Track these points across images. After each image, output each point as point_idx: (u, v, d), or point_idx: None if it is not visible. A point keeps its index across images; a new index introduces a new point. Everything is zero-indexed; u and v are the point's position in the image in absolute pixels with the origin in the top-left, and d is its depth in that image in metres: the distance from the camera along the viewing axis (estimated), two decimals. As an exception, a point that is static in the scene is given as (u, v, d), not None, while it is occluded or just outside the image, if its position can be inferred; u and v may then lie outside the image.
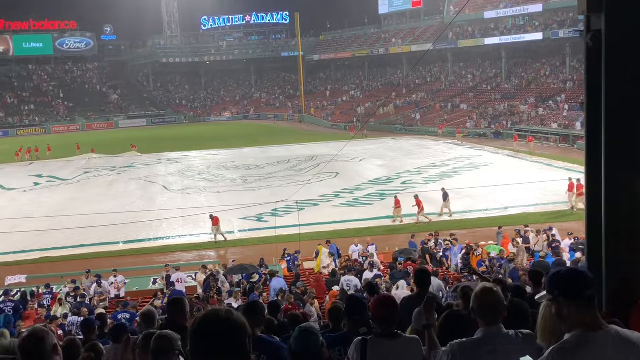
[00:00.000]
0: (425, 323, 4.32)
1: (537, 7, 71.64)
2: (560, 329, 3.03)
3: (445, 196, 28.88)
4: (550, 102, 62.63)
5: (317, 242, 23.23)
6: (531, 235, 21.92)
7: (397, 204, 28.21)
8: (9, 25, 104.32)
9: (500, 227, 23.52)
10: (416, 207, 27.86)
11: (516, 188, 32.55)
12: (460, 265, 18.75)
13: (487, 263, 19.02)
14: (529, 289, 8.48)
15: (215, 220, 26.73)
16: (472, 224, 27.45)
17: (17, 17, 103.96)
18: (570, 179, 28.54)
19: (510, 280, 13.26)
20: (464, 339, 3.79)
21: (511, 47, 74.57)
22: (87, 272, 20.62)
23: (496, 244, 21.99)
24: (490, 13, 77.73)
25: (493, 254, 19.97)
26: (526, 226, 23.00)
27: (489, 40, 75.98)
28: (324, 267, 21.22)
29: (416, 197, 28.26)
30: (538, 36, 70.09)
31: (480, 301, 3.83)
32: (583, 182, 26.90)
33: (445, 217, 28.50)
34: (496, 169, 40.75)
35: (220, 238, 26.91)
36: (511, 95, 69.46)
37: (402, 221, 28.02)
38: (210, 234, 27.12)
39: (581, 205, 27.55)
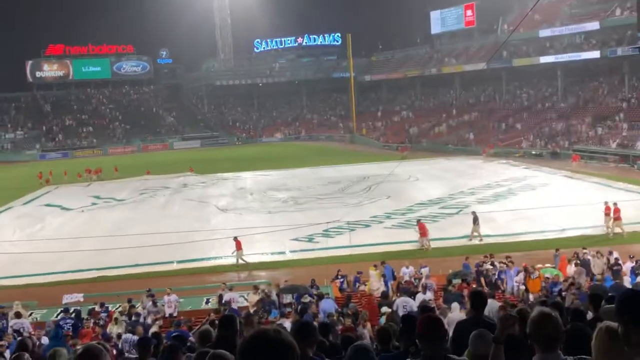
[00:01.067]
0: (496, 337, 4.18)
1: (594, 25, 70.19)
2: (622, 355, 2.86)
3: (475, 220, 28.21)
4: (609, 121, 61.13)
5: (369, 264, 23.05)
6: (590, 258, 21.27)
7: (422, 228, 27.64)
8: (68, 50, 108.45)
9: (557, 250, 22.87)
10: (418, 232, 27.40)
11: (574, 209, 31.73)
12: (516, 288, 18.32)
13: (544, 285, 18.52)
14: (589, 314, 8.16)
15: (238, 245, 26.69)
16: (528, 246, 26.81)
17: (76, 42, 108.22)
18: (606, 203, 27.68)
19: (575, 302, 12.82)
20: None
21: (567, 65, 73.16)
22: (148, 291, 20.76)
23: (554, 267, 21.43)
24: (546, 31, 76.54)
25: (548, 276, 19.45)
26: (584, 248, 22.34)
27: (545, 59, 74.69)
28: (374, 290, 21.05)
29: (418, 221, 27.88)
30: (595, 54, 68.55)
31: (537, 327, 3.69)
32: (619, 205, 26.54)
33: (476, 242, 27.78)
34: (553, 190, 39.85)
35: (241, 262, 26.85)
36: (567, 114, 68.08)
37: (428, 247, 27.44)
38: (233, 256, 27.01)
39: (618, 229, 26.77)
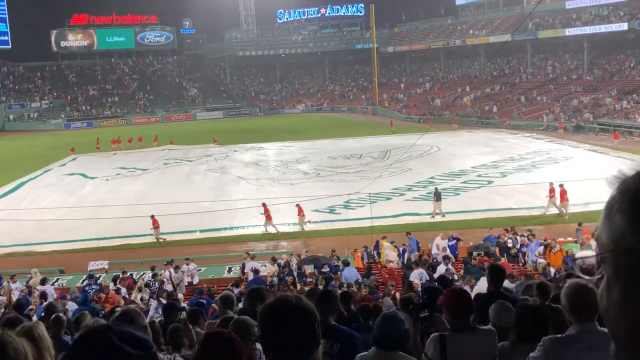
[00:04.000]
0: None
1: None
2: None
3: (438, 196, 28.28)
4: (635, 95, 60.01)
5: (390, 235, 23.15)
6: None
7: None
8: (93, 20, 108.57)
9: (580, 224, 22.67)
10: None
11: (597, 183, 31.36)
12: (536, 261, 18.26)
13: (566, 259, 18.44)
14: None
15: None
16: (550, 220, 26.69)
17: (100, 12, 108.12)
18: (551, 184, 27.56)
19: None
20: (557, 335, 3.69)
21: (594, 37, 71.77)
22: (171, 262, 20.95)
23: (575, 242, 21.31)
24: (572, 2, 74.96)
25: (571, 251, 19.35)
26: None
27: (571, 31, 73.29)
28: (389, 261, 21.15)
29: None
30: (623, 26, 67.09)
31: (573, 298, 3.73)
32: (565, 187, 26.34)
33: (439, 218, 27.76)
34: (576, 164, 39.42)
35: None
36: (593, 87, 66.96)
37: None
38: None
39: (556, 211, 26.87)
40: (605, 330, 3.22)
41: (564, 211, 26.99)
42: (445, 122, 65.01)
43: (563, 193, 26.89)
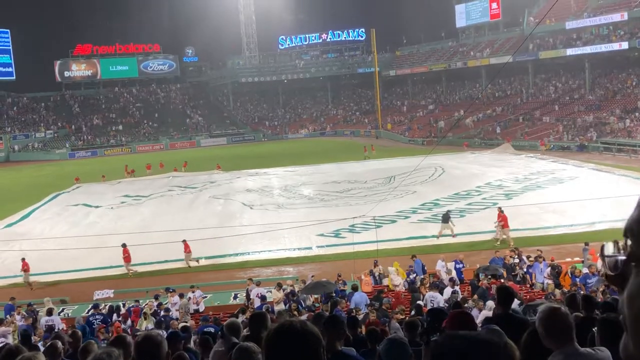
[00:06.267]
0: None
1: (622, 16, 69.09)
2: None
3: (446, 218, 28.19)
4: (637, 113, 60.09)
5: (396, 259, 23.06)
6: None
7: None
8: (96, 50, 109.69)
9: (586, 244, 22.59)
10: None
11: (603, 203, 31.29)
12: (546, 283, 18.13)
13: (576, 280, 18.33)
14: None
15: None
16: (556, 239, 26.56)
17: (103, 42, 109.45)
18: (499, 208, 27.66)
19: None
20: None
21: (595, 57, 72.09)
22: (172, 291, 20.88)
23: (582, 261, 21.18)
24: (572, 23, 75.45)
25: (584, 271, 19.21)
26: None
27: (571, 51, 73.70)
28: (395, 285, 21.08)
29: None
30: (624, 45, 67.45)
31: (548, 323, 3.69)
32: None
33: (447, 240, 27.66)
34: (581, 183, 39.34)
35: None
36: (596, 107, 67.09)
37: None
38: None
39: (504, 236, 26.61)
40: (587, 350, 3.12)
41: (502, 236, 26.87)
42: (449, 144, 65.10)
43: (503, 219, 26.84)
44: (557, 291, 17.85)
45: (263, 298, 18.67)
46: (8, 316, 18.16)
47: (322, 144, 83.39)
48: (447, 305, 14.54)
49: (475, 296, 16.27)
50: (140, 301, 20.73)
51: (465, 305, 13.47)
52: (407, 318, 12.55)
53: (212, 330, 11.84)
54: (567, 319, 3.69)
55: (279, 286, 20.50)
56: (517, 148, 61.18)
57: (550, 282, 19.21)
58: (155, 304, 19.44)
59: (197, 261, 27.03)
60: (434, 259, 22.78)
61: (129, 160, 67.46)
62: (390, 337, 4.59)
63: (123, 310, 19.23)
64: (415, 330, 6.20)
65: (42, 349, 11.02)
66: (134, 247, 28.95)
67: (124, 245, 26.49)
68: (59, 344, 6.85)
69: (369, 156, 60.44)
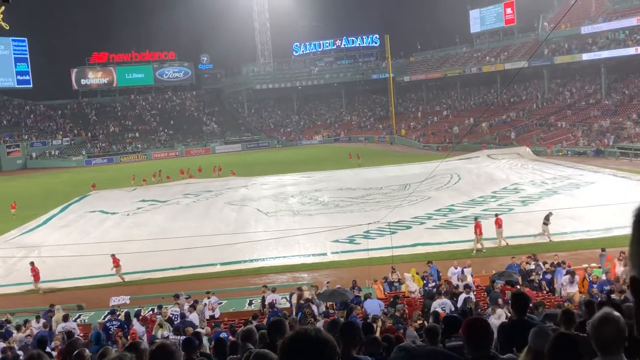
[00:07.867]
0: None
1: (638, 21, 68.56)
2: None
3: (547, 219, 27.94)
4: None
5: (411, 265, 22.99)
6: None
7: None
8: (112, 58, 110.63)
9: (603, 249, 22.39)
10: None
11: (620, 208, 30.97)
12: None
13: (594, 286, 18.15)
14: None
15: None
16: (573, 245, 26.35)
17: (120, 50, 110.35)
18: (496, 215, 28.20)
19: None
20: None
21: (611, 62, 71.58)
22: (187, 297, 20.94)
23: (599, 267, 20.99)
24: (587, 28, 74.97)
25: (601, 277, 19.05)
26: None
27: (587, 56, 73.17)
28: (411, 292, 20.98)
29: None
30: (640, 49, 66.95)
31: (597, 330, 3.55)
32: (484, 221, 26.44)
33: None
34: (598, 189, 39.01)
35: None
36: (612, 112, 66.58)
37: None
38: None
39: (479, 245, 26.69)
40: None
41: (480, 246, 26.84)
42: (463, 149, 64.83)
43: (478, 226, 26.89)
44: (577, 297, 17.74)
45: (272, 306, 18.66)
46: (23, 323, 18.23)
47: (337, 150, 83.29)
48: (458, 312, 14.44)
49: (484, 300, 16.19)
50: (156, 308, 20.79)
51: (479, 310, 13.39)
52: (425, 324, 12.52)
53: (225, 335, 11.85)
54: (619, 327, 3.48)
55: (300, 290, 20.08)
56: (534, 153, 60.77)
57: (573, 290, 18.94)
58: (171, 309, 19.46)
59: (123, 279, 26.80)
60: (449, 266, 22.70)
61: (145, 167, 67.84)
62: (400, 345, 4.59)
63: (139, 317, 19.27)
64: (436, 336, 6.19)
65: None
66: (149, 253, 29.19)
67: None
68: (87, 352, 6.90)
69: (360, 164, 60.64)
